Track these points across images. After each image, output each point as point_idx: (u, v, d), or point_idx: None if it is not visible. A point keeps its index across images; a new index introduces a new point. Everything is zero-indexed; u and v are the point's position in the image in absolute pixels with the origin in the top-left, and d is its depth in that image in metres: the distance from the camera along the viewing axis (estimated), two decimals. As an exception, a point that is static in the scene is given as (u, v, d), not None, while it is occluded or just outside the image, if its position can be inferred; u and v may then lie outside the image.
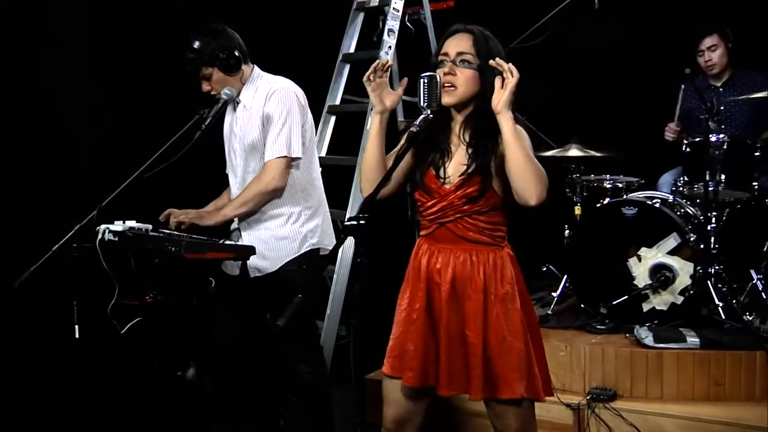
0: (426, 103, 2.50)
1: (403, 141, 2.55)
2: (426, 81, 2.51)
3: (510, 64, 2.46)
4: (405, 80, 2.68)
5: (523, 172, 2.45)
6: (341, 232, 2.16)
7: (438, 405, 2.85)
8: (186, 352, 3.44)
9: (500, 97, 2.45)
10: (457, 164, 2.62)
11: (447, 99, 2.58)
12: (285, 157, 3.34)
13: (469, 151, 2.60)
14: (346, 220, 2.18)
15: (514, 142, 2.45)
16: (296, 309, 2.12)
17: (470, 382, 2.62)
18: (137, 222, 3.27)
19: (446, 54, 2.61)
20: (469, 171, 2.58)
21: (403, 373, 2.67)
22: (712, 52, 4.97)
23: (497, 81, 2.47)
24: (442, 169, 2.63)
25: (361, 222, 2.17)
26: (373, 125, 2.67)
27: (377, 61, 2.63)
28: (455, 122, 2.67)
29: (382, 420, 2.83)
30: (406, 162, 2.66)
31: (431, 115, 2.50)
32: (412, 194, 2.71)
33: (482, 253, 2.63)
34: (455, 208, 2.61)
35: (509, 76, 2.45)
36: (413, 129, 2.47)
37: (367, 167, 2.68)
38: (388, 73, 2.68)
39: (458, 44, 2.61)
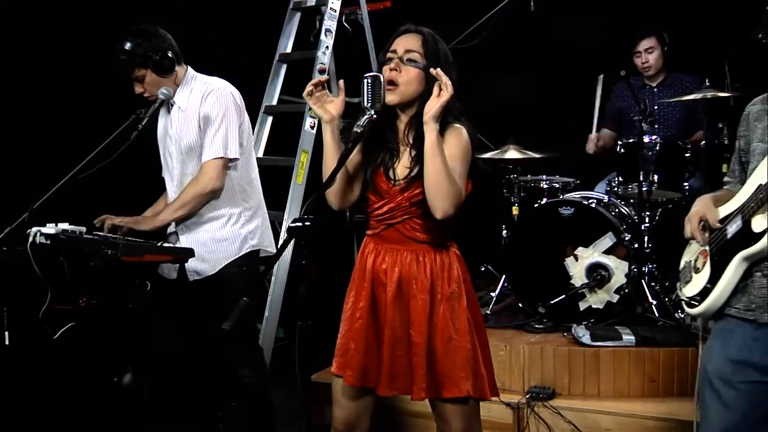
0: (369, 104, 2.48)
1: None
2: (369, 81, 2.49)
3: (447, 78, 2.45)
4: (342, 83, 2.66)
5: (434, 186, 2.48)
6: (287, 233, 2.12)
7: (379, 406, 2.83)
8: (122, 358, 3.36)
9: (430, 108, 2.46)
10: (403, 166, 2.62)
11: (389, 98, 2.56)
12: (222, 158, 3.30)
13: (413, 153, 2.60)
14: (290, 221, 2.14)
15: (432, 155, 2.47)
16: (242, 312, 2.08)
17: (413, 382, 2.62)
18: (70, 224, 3.18)
19: (394, 51, 2.60)
20: (413, 174, 2.58)
21: (344, 372, 2.66)
22: (649, 54, 5.07)
23: (435, 88, 2.47)
24: (391, 170, 2.63)
25: (307, 223, 2.14)
26: (326, 136, 2.63)
27: (318, 78, 2.62)
28: (401, 122, 2.66)
29: (324, 420, 2.81)
30: (360, 163, 2.67)
31: (375, 116, 2.48)
32: (362, 194, 2.69)
33: (429, 253, 2.64)
34: (403, 210, 2.61)
35: (445, 91, 2.45)
36: (357, 129, 2.45)
37: (335, 189, 2.64)
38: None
39: (407, 43, 2.60)
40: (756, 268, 2.42)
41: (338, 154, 2.61)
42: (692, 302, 2.59)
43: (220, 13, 5.17)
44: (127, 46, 3.28)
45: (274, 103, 5.19)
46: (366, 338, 2.64)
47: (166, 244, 3.25)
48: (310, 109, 4.75)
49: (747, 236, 2.42)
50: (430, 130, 2.46)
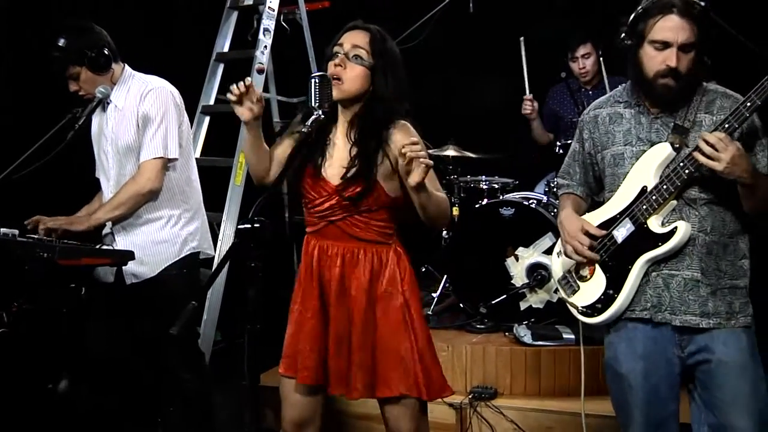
0: (317, 104, 2.45)
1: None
2: (317, 81, 2.46)
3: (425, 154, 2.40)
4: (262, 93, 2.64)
5: (437, 218, 2.57)
6: (236, 235, 2.08)
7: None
8: (57, 364, 3.26)
9: (412, 178, 2.40)
10: (340, 163, 2.60)
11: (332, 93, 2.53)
12: (161, 158, 3.24)
13: (353, 152, 2.58)
14: (238, 223, 2.10)
15: (436, 205, 2.53)
16: (190, 316, 2.03)
17: (350, 381, 2.61)
18: (2, 227, 3.06)
19: (341, 45, 2.58)
20: (349, 174, 2.56)
21: (298, 372, 2.63)
22: (586, 60, 5.14)
23: (399, 153, 2.42)
24: (323, 167, 2.61)
25: (256, 225, 2.10)
26: (247, 135, 2.64)
27: (241, 86, 2.55)
28: (342, 119, 2.65)
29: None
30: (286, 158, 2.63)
31: (322, 116, 2.45)
32: (298, 191, 2.67)
33: (369, 251, 2.63)
34: (342, 207, 2.59)
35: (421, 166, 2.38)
36: (304, 129, 2.42)
37: (257, 175, 2.68)
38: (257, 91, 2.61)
39: (354, 38, 2.59)
40: (651, 268, 2.51)
41: (261, 152, 2.64)
42: (590, 311, 2.64)
43: (155, 11, 5.06)
44: (61, 42, 3.18)
45: (212, 102, 5.10)
46: (318, 338, 2.62)
47: (104, 247, 3.17)
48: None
49: (648, 238, 2.49)
50: (419, 191, 2.46)
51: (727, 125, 2.35)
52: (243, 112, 2.58)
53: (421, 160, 2.36)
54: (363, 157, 2.55)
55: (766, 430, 2.45)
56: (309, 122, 2.42)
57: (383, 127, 2.54)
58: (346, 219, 2.61)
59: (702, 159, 2.33)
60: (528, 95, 5.10)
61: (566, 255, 2.70)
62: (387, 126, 2.55)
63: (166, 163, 3.27)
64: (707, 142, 2.31)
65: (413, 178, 2.38)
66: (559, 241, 2.81)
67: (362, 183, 2.54)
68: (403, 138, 2.52)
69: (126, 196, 3.22)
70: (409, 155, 2.35)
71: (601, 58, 5.06)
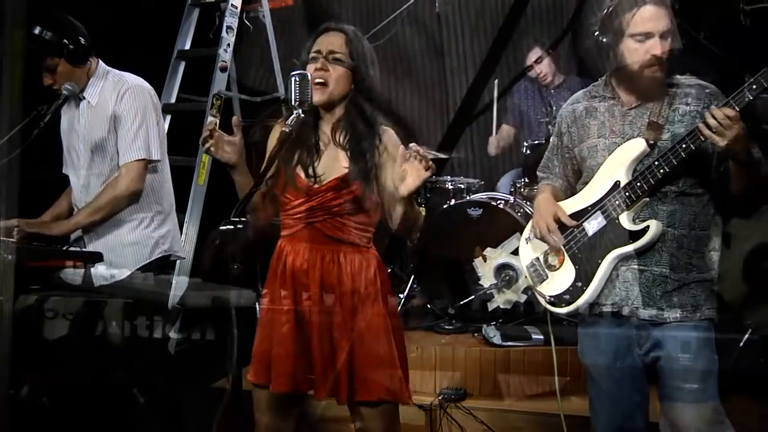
0: (297, 102, 2.42)
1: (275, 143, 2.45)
2: (297, 79, 2.43)
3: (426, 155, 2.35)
4: (236, 119, 2.54)
5: (411, 229, 2.58)
6: (219, 236, 2.03)
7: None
8: (20, 369, 3.16)
9: (408, 185, 2.35)
10: (329, 164, 2.56)
11: (318, 97, 2.51)
12: (143, 159, 3.15)
13: (348, 154, 2.55)
14: (221, 224, 2.04)
15: (415, 218, 2.52)
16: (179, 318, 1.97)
17: (338, 385, 2.57)
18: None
19: (318, 51, 2.55)
20: (351, 176, 2.52)
21: (273, 379, 2.57)
22: (539, 64, 5.17)
23: (400, 155, 2.36)
24: (311, 167, 2.56)
25: (239, 226, 2.05)
26: (237, 179, 2.55)
27: (206, 127, 2.48)
28: (325, 121, 2.61)
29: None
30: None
31: (303, 115, 2.42)
32: (279, 195, 2.61)
33: (349, 254, 2.59)
34: (324, 209, 2.55)
35: (421, 167, 2.33)
36: (285, 129, 2.39)
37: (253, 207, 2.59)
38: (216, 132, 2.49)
39: (330, 42, 2.56)
40: (621, 263, 2.54)
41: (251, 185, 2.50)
42: (557, 301, 2.67)
43: (113, 6, 4.95)
44: (38, 32, 3.06)
45: (173, 101, 5.02)
46: (294, 343, 2.56)
47: (72, 248, 3.08)
48: (212, 107, 4.70)
49: (619, 234, 2.52)
50: (408, 201, 2.44)
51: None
52: (222, 157, 2.49)
53: (425, 162, 2.32)
54: (361, 160, 2.51)
55: (715, 426, 2.48)
56: (290, 121, 2.39)
57: (373, 126, 2.52)
58: (326, 221, 2.56)
59: (706, 132, 2.32)
60: (494, 136, 5.17)
61: (535, 236, 2.72)
62: (376, 125, 2.53)
63: (148, 165, 3.19)
64: (715, 117, 2.29)
65: (410, 183, 2.34)
66: (529, 226, 2.83)
67: (361, 186, 2.52)
68: (395, 140, 2.53)
69: (106, 200, 3.13)
70: (420, 153, 2.31)
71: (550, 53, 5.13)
